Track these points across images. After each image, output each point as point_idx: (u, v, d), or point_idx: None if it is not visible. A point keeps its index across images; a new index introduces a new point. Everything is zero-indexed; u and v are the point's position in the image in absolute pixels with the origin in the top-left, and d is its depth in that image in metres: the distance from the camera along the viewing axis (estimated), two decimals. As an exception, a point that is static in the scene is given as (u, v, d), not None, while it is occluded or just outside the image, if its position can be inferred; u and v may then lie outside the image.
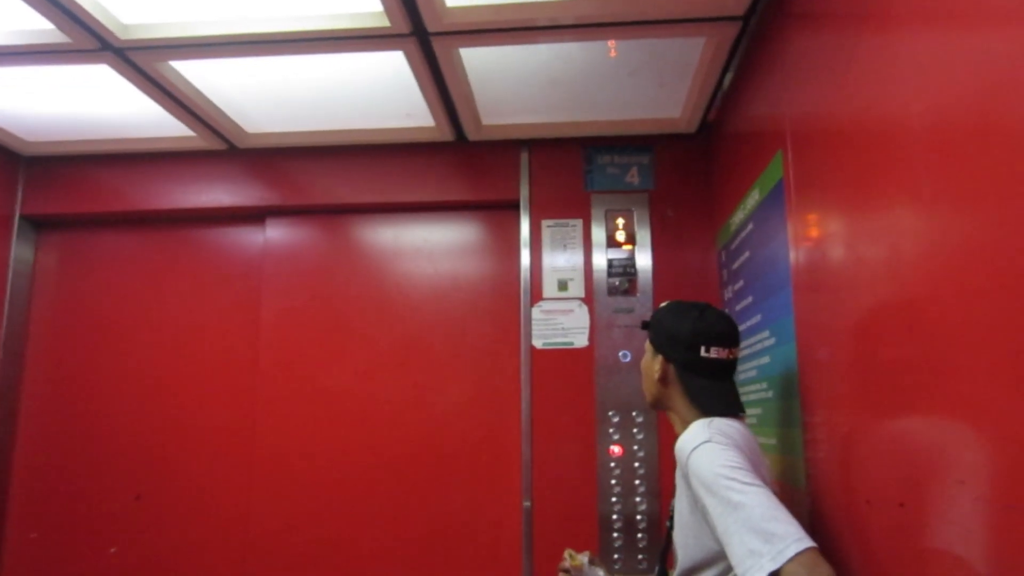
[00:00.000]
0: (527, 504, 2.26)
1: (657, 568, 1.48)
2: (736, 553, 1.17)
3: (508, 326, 2.42)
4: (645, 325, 1.63)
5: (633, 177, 2.45)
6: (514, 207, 2.46)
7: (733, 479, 1.21)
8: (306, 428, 2.44)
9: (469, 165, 2.50)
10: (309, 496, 2.40)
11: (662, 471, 2.21)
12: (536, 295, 2.36)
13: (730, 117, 2.15)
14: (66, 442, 2.56)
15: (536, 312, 2.35)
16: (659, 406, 1.56)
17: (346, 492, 2.39)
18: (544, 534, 2.23)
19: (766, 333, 1.74)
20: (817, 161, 1.41)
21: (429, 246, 2.56)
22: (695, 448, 1.29)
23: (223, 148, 2.51)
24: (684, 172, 2.44)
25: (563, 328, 2.33)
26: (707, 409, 1.44)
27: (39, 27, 1.79)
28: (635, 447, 2.23)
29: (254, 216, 2.60)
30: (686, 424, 1.40)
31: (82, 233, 2.72)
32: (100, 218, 2.67)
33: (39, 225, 2.71)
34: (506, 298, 2.45)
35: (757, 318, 1.82)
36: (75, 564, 2.48)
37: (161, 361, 2.57)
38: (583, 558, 1.65)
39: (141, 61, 1.92)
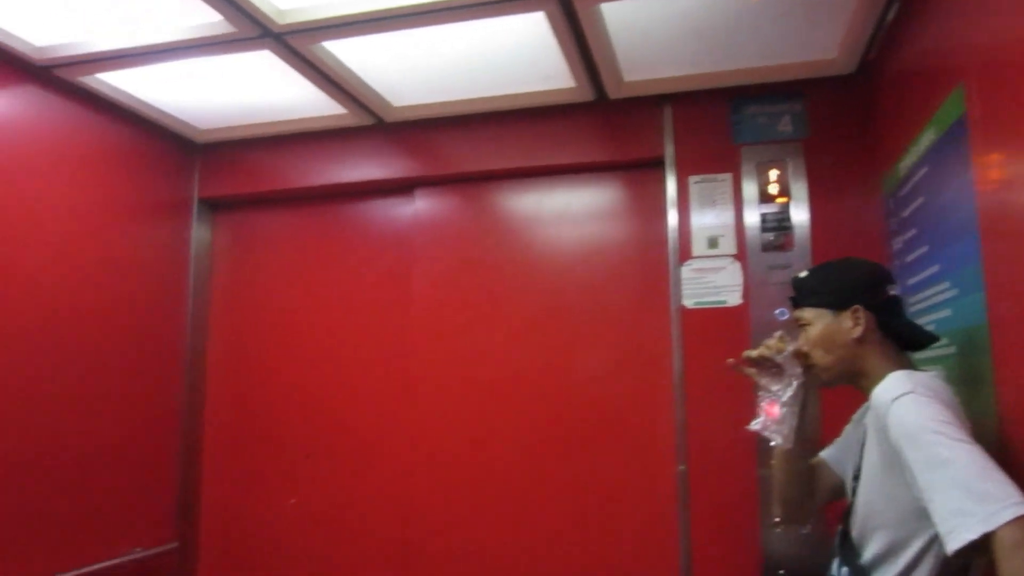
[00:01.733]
0: (682, 468, 2.23)
1: (840, 528, 1.42)
2: (940, 511, 1.09)
3: (657, 286, 2.38)
4: (796, 301, 1.53)
5: (785, 126, 2.32)
6: (659, 165, 2.40)
7: (940, 433, 1.12)
8: (459, 392, 2.53)
9: (611, 124, 2.46)
10: (465, 456, 2.49)
11: (824, 430, 2.10)
12: (685, 254, 2.30)
13: (895, 53, 1.98)
14: (247, 404, 2.80)
15: (685, 271, 2.29)
16: (844, 377, 1.46)
17: (499, 453, 2.47)
18: (701, 498, 2.20)
19: (946, 284, 1.60)
20: (1008, 93, 1.27)
21: (573, 209, 2.56)
22: (896, 399, 1.21)
23: (372, 123, 2.61)
24: (841, 117, 2.28)
25: (715, 286, 2.26)
26: (921, 342, 1.39)
27: (208, 20, 1.93)
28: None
29: (403, 188, 2.70)
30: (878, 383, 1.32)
31: (250, 212, 2.93)
32: (265, 197, 2.87)
33: (214, 207, 2.95)
34: (653, 258, 2.41)
35: (934, 268, 1.68)
36: (260, 512, 2.72)
37: (324, 329, 2.75)
38: (790, 346, 1.52)
39: (297, 44, 2.03)
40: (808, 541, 2.03)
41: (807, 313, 1.50)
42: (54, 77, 2.21)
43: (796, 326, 1.57)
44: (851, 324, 1.42)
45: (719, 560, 2.15)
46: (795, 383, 1.53)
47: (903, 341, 1.42)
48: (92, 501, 2.33)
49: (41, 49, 2.09)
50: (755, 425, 1.58)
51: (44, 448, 2.17)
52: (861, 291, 1.43)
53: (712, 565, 2.16)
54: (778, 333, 1.58)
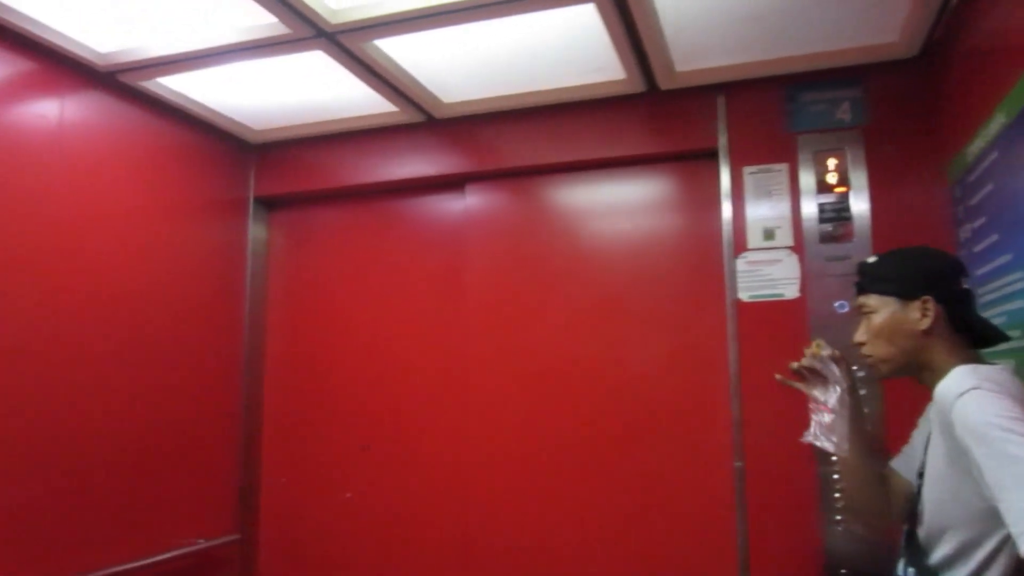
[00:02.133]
0: (738, 465, 2.19)
1: (905, 528, 1.38)
2: (1012, 511, 1.05)
3: (711, 280, 2.34)
4: (862, 287, 1.48)
5: (844, 113, 2.25)
6: (712, 156, 2.36)
7: (1009, 429, 1.08)
8: (513, 387, 2.53)
9: (663, 115, 2.43)
10: (519, 451, 2.49)
11: (888, 428, 2.04)
12: (740, 246, 2.26)
13: (962, 34, 1.90)
14: (304, 398, 2.86)
15: (740, 264, 2.25)
16: (905, 370, 1.41)
17: (553, 448, 2.46)
18: (758, 496, 2.16)
19: (1019, 274, 1.54)
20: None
21: (625, 202, 2.53)
22: (961, 394, 1.16)
23: (422, 120, 2.63)
24: (903, 102, 2.20)
25: (771, 279, 2.21)
26: (992, 338, 1.34)
27: (263, 22, 1.97)
28: (857, 403, 2.07)
29: (454, 183, 2.71)
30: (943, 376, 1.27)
31: (304, 209, 2.98)
32: (318, 195, 2.92)
33: (269, 205, 3.01)
34: (707, 251, 2.37)
35: (1006, 258, 1.61)
36: (317, 505, 2.77)
37: (378, 324, 2.78)
38: (826, 352, 1.52)
39: (349, 43, 2.05)
40: (871, 540, 1.98)
41: (872, 300, 1.45)
42: (117, 82, 2.28)
43: (858, 313, 1.52)
44: (919, 315, 1.37)
45: (777, 558, 2.11)
46: (839, 388, 1.52)
47: (973, 336, 1.36)
48: (158, 493, 2.40)
49: (105, 55, 2.16)
50: (808, 436, 1.57)
51: (112, 441, 2.24)
52: (933, 281, 1.37)
53: (770, 563, 2.11)
54: (815, 341, 1.57)
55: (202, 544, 2.52)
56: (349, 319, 2.83)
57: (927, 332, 1.36)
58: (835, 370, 1.53)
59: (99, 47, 2.14)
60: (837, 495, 2.04)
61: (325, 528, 2.75)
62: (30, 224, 2.03)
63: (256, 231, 2.94)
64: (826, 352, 1.54)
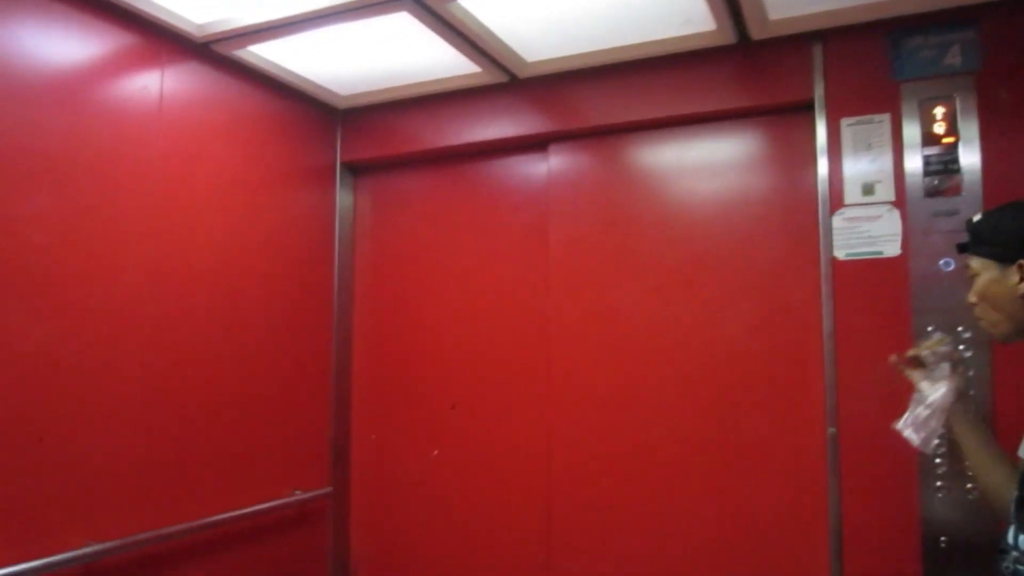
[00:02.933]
0: (832, 431, 2.12)
1: (1016, 495, 1.31)
2: None
3: (805, 238, 2.24)
4: (963, 247, 1.43)
5: (954, 57, 2.10)
6: (807, 108, 2.25)
7: None
8: (599, 348, 2.52)
9: (755, 67, 2.32)
10: (604, 413, 2.49)
11: (995, 387, 1.92)
12: (836, 202, 2.16)
13: (1094, -35, 1.74)
14: (392, 358, 2.93)
15: (837, 220, 2.15)
16: (1019, 335, 1.35)
17: (639, 410, 2.45)
18: (852, 463, 2.08)
19: None
20: None
21: (715, 159, 2.46)
22: None
23: (505, 80, 2.61)
24: (1022, 44, 2.03)
25: (869, 236, 2.11)
26: None
27: (349, -15, 1.99)
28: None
29: (537, 144, 2.69)
30: None
31: (389, 175, 3.03)
32: (402, 159, 2.95)
33: (355, 170, 3.07)
34: (801, 207, 2.27)
35: None
36: (405, 462, 2.86)
37: (464, 285, 2.81)
38: (944, 348, 1.49)
39: (433, 2, 2.05)
40: (973, 507, 1.89)
41: (974, 263, 1.40)
42: (212, 52, 2.36)
43: (968, 276, 1.44)
44: (1017, 279, 1.29)
45: (873, 526, 2.04)
46: (942, 388, 1.46)
47: None
48: (256, 448, 2.53)
49: (202, 26, 2.24)
50: (898, 424, 1.54)
51: (214, 399, 2.36)
52: None
53: (866, 532, 2.05)
54: (937, 335, 1.53)
55: (299, 495, 2.65)
56: (436, 281, 2.88)
57: None
58: (945, 369, 1.48)
59: (196, 18, 2.22)
60: (938, 461, 1.95)
61: (413, 484, 2.84)
62: (136, 196, 2.13)
63: (343, 197, 3.01)
64: (944, 349, 1.49)
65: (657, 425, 2.42)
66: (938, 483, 1.95)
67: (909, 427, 1.48)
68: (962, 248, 1.44)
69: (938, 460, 1.95)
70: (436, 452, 2.79)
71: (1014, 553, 1.23)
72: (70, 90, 1.98)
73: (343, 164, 3.00)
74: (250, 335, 2.52)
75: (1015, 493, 1.30)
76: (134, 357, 2.11)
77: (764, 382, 2.31)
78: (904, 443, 1.99)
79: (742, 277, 2.35)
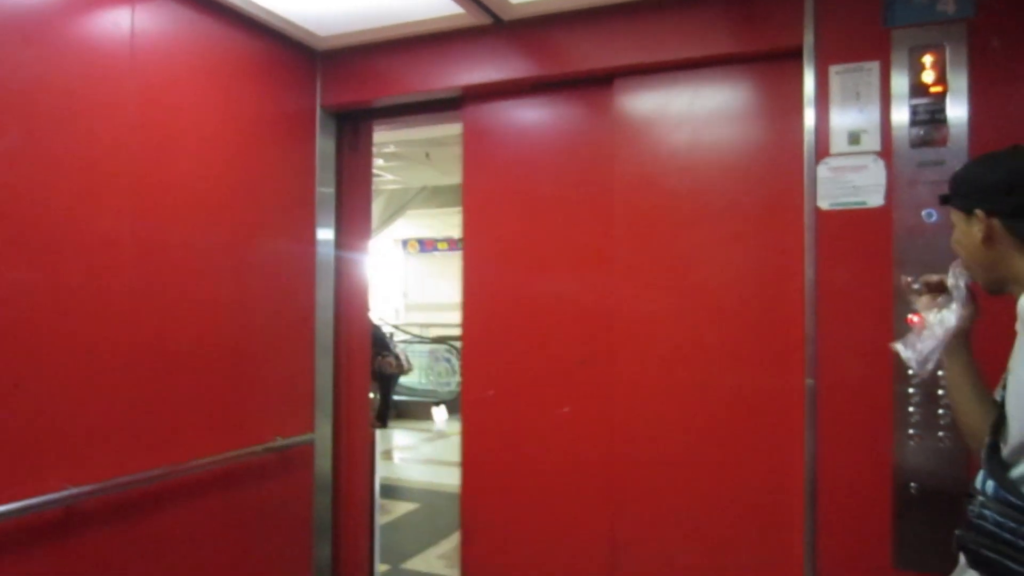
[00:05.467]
0: (810, 382, 2.14)
1: (988, 440, 1.33)
2: None
3: (790, 187, 2.22)
4: (945, 199, 1.43)
5: (946, 4, 2.06)
6: (795, 55, 2.20)
7: None
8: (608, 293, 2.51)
9: (745, 12, 2.27)
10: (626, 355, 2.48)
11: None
12: (822, 151, 2.13)
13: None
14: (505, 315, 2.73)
15: (822, 170, 2.13)
16: (997, 284, 1.35)
17: (631, 357, 2.46)
18: (829, 412, 2.10)
19: None
20: None
21: (702, 106, 2.41)
22: None
23: (489, 22, 2.54)
24: (1019, -10, 1.99)
25: (854, 186, 2.09)
26: None
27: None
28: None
29: (523, 89, 2.64)
30: None
31: (372, 120, 2.97)
32: (385, 104, 2.88)
33: (338, 117, 2.99)
34: (787, 157, 2.24)
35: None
36: (526, 419, 2.67)
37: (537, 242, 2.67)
38: (963, 281, 1.43)
39: (414, -62, 1.98)
40: (944, 455, 1.92)
41: (952, 214, 1.40)
42: (185, -12, 2.28)
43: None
44: (977, 228, 1.31)
45: (847, 473, 2.08)
46: (950, 317, 1.43)
47: None
48: (239, 393, 2.53)
49: (172, -41, 2.15)
50: (896, 343, 1.51)
51: (194, 344, 2.35)
52: (983, 196, 1.31)
53: (839, 478, 2.09)
54: (957, 266, 1.46)
55: (280, 442, 2.66)
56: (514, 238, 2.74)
57: (991, 246, 1.30)
58: (963, 292, 1.43)
59: (166, -50, 2.13)
60: (912, 409, 1.98)
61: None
62: (110, 135, 2.08)
63: (324, 143, 2.94)
64: (962, 275, 1.45)
65: (649, 371, 2.43)
66: (911, 431, 1.98)
67: (910, 349, 1.46)
68: (943, 200, 1.44)
69: (911, 409, 1.98)
70: (567, 408, 2.61)
71: (980, 498, 1.25)
72: (38, 26, 1.90)
73: (324, 109, 2.93)
74: (229, 281, 2.50)
75: (989, 439, 1.32)
76: (112, 301, 2.09)
77: (748, 331, 2.31)
78: (881, 392, 2.03)
79: (726, 226, 2.34)
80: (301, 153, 2.87)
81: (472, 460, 2.75)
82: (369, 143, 3.16)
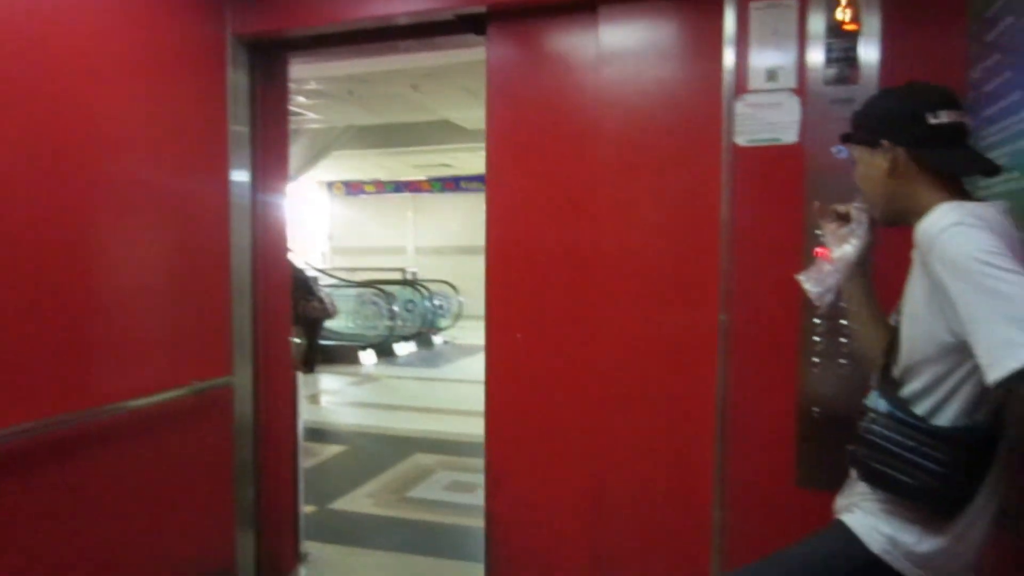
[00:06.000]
0: (723, 317, 2.20)
1: (881, 362, 1.40)
2: (984, 342, 1.06)
3: (708, 123, 2.24)
4: (847, 137, 1.46)
5: (866, -58, 2.08)
6: (718, -9, 2.20)
7: (988, 263, 1.07)
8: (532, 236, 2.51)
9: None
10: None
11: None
12: (740, 87, 2.15)
13: None
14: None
15: (740, 106, 2.15)
16: (897, 216, 1.38)
17: (554, 293, 2.49)
18: (740, 346, 2.18)
19: (1027, 113, 1.47)
20: None
21: (622, 44, 2.38)
22: (943, 230, 1.15)
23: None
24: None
25: (770, 123, 2.12)
26: (961, 173, 1.30)
27: None
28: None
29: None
30: None
31: (288, 53, 2.83)
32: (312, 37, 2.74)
33: (253, 48, 2.83)
34: (706, 93, 2.24)
35: (1015, 96, 1.54)
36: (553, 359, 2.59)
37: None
38: (863, 210, 1.49)
39: None
40: (843, 381, 2.03)
41: (855, 150, 1.44)
42: None
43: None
44: (882, 159, 1.34)
45: (755, 402, 2.17)
46: (848, 247, 1.49)
47: (941, 177, 1.31)
48: (152, 336, 2.44)
49: None
50: (800, 275, 1.56)
51: (104, 286, 2.25)
52: (890, 125, 1.34)
53: (748, 406, 2.18)
54: (858, 200, 1.51)
55: (196, 385, 2.59)
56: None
57: (895, 177, 1.33)
58: (864, 227, 1.48)
59: None
60: (817, 339, 2.07)
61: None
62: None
63: (237, 77, 2.79)
64: (861, 208, 1.50)
65: (569, 305, 2.46)
66: (815, 359, 2.08)
67: (812, 280, 1.52)
68: (845, 138, 1.48)
69: (816, 339, 2.07)
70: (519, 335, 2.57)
71: (872, 415, 1.33)
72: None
73: (235, 38, 2.76)
74: (135, 220, 2.37)
75: (882, 360, 1.39)
76: (18, 242, 1.97)
77: (665, 267, 2.34)
78: (789, 324, 2.12)
79: (646, 163, 2.35)
80: (210, 87, 2.71)
81: (496, 408, 2.61)
82: (285, 78, 3.02)
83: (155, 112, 2.44)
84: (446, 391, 8.08)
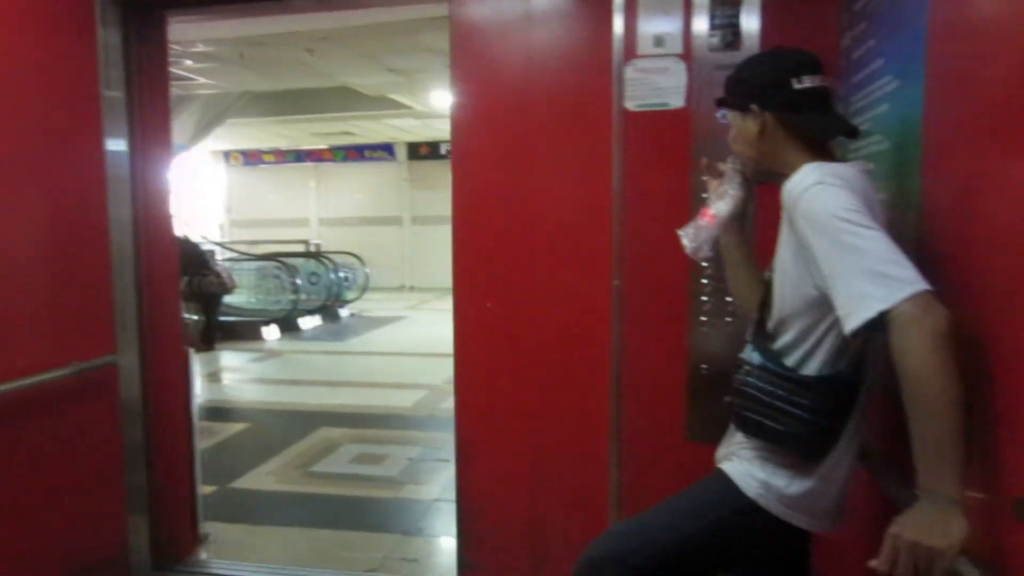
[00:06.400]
0: (616, 283, 2.25)
1: (755, 317, 1.47)
2: (842, 295, 1.13)
3: (600, 89, 2.26)
4: (721, 100, 1.51)
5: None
6: (606, -46, 2.20)
7: (847, 220, 1.14)
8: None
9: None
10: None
11: (758, 232, 2.11)
12: (630, 52, 2.18)
13: None
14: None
15: (629, 71, 2.18)
16: (767, 175, 1.46)
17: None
18: (633, 308, 2.23)
19: (888, 78, 1.56)
20: None
21: (516, 8, 2.37)
22: (805, 190, 1.21)
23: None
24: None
25: (658, 88, 2.17)
26: (822, 136, 1.36)
27: None
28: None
29: None
30: None
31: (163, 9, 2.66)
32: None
33: (123, 2, 2.64)
34: (597, 58, 2.27)
35: (878, 63, 1.62)
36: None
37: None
38: (737, 167, 1.55)
39: None
40: (729, 338, 2.12)
41: (730, 115, 1.49)
42: None
43: None
44: (751, 123, 1.40)
45: (647, 359, 2.24)
46: (723, 204, 1.55)
47: (806, 139, 1.38)
48: (24, 315, 2.28)
49: None
50: (680, 231, 1.61)
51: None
52: (757, 90, 1.40)
53: (641, 363, 2.25)
54: (731, 158, 1.57)
55: (77, 366, 2.44)
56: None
57: (764, 139, 1.40)
58: (735, 184, 1.55)
59: None
60: (704, 299, 2.15)
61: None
62: None
63: (108, 36, 2.60)
64: (732, 165, 1.56)
65: (475, 269, 2.45)
66: (703, 318, 2.16)
67: (688, 235, 1.58)
68: (719, 102, 1.53)
69: (704, 299, 2.15)
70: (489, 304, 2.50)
71: (746, 367, 1.40)
72: None
73: (105, -7, 2.57)
74: (8, 194, 2.20)
75: (756, 315, 1.46)
76: None
77: (558, 232, 2.36)
78: (679, 286, 2.19)
79: (542, 126, 2.35)
80: (78, 47, 2.50)
81: (466, 380, 2.54)
82: (164, 38, 2.84)
83: (11, 74, 2.25)
84: (353, 364, 7.97)
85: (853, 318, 1.10)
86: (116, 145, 2.65)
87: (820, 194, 1.19)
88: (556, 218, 2.37)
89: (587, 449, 2.38)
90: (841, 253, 1.13)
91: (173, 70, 8.05)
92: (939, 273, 1.25)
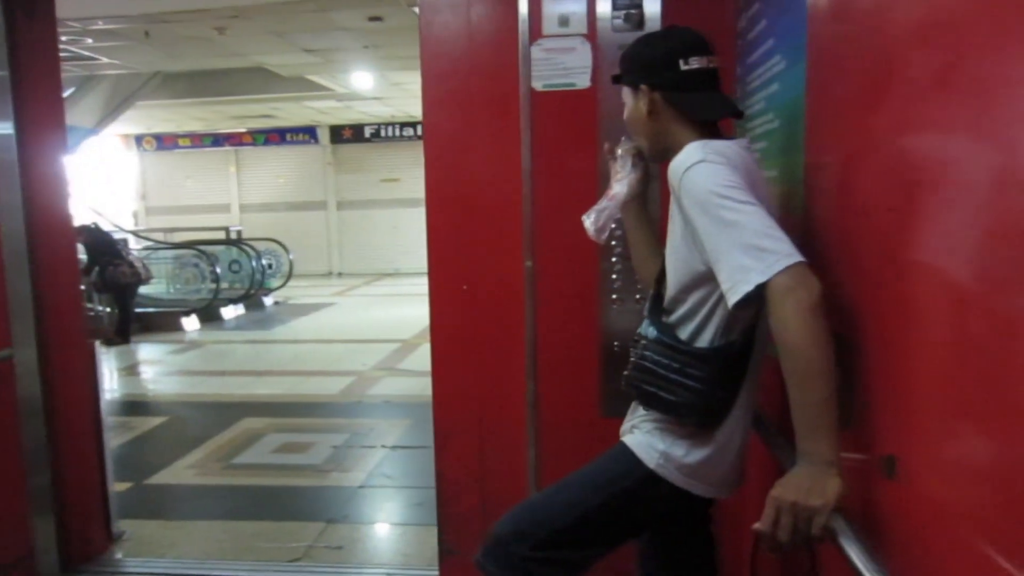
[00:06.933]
0: (529, 264, 2.26)
1: (652, 292, 1.51)
2: (724, 270, 1.17)
3: (507, 70, 2.26)
4: (616, 78, 1.52)
5: None
6: (509, -65, 2.19)
7: (727, 197, 1.17)
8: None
9: None
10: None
11: (663, 211, 2.16)
12: (536, 33, 2.18)
13: None
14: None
15: (536, 51, 2.18)
16: (660, 154, 1.47)
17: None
18: (545, 289, 2.26)
19: (777, 58, 1.61)
20: None
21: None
22: (688, 168, 1.24)
23: None
24: None
25: (564, 68, 2.18)
26: (707, 116, 1.39)
27: None
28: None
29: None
30: None
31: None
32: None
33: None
34: (505, 38, 2.26)
35: (770, 43, 1.67)
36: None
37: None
38: (624, 147, 1.59)
39: None
40: (639, 316, 2.15)
41: (623, 92, 1.50)
42: None
43: None
44: (643, 102, 1.43)
45: (561, 338, 2.27)
46: (620, 185, 1.58)
47: (693, 118, 1.41)
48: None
49: None
50: (583, 216, 1.63)
51: None
52: (645, 72, 1.42)
53: (555, 346, 2.27)
54: (625, 139, 1.59)
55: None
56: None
57: (654, 118, 1.42)
58: (626, 165, 1.58)
59: None
60: (614, 277, 2.19)
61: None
62: None
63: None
64: (625, 148, 1.59)
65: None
66: (614, 297, 2.20)
67: (591, 219, 1.59)
68: (615, 80, 1.54)
69: (614, 277, 2.19)
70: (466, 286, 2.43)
71: (644, 341, 1.44)
72: None
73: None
74: None
75: (652, 290, 1.50)
76: None
77: (478, 213, 2.34)
78: (590, 265, 2.22)
79: (453, 108, 2.33)
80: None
81: (439, 367, 2.46)
82: (51, 13, 2.69)
83: None
84: (278, 352, 7.80)
85: (735, 292, 1.14)
86: (1, 128, 2.50)
87: (701, 172, 1.22)
88: (483, 201, 2.36)
89: (510, 427, 2.39)
90: (721, 229, 1.17)
91: (74, 49, 7.73)
92: (819, 245, 1.31)
